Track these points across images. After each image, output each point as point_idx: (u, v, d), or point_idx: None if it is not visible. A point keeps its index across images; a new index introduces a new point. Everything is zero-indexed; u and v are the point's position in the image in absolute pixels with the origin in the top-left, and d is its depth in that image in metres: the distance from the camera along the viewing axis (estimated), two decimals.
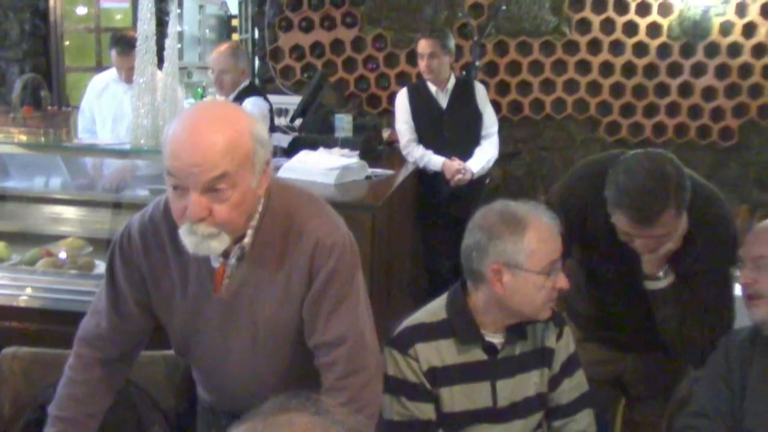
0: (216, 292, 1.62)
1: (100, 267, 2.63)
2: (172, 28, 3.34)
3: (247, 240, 1.58)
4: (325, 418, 0.80)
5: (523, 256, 1.70)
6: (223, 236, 1.50)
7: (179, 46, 8.06)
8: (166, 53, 3.31)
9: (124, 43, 3.87)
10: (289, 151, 3.75)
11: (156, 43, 3.29)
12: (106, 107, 4.16)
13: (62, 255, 2.78)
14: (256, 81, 5.61)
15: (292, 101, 4.87)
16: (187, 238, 1.49)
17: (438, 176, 4.06)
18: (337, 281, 1.59)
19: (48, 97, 3.51)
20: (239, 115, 1.53)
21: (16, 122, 3.08)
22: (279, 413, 0.80)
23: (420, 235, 4.21)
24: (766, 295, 1.73)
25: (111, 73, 4.31)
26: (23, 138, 3.01)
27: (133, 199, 3.11)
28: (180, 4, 8.02)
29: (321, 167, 3.22)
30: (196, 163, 1.43)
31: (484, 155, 4.13)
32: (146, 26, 3.02)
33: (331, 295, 1.59)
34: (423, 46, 4.08)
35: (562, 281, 1.76)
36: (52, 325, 2.40)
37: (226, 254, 1.59)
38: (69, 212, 3.19)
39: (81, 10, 6.51)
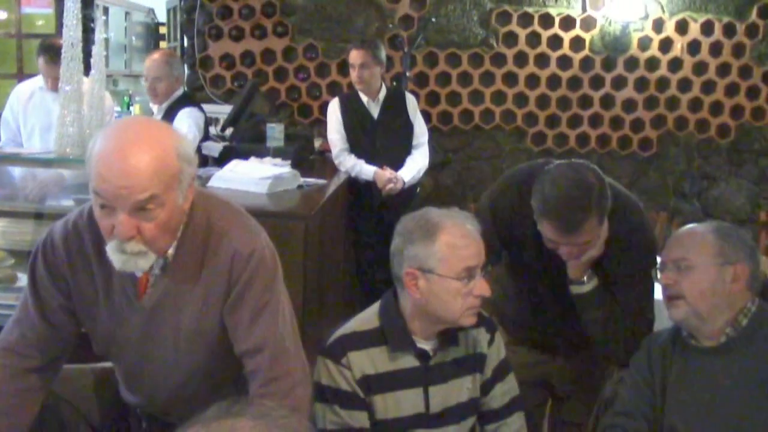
0: (139, 301, 1.64)
1: (23, 279, 2.56)
2: (99, 35, 3.29)
3: (170, 251, 1.61)
4: (267, 421, 0.81)
5: (434, 261, 1.72)
6: (150, 255, 1.53)
7: (105, 53, 7.90)
8: (92, 60, 3.24)
9: (53, 51, 3.77)
10: (221, 161, 3.72)
11: (82, 50, 3.23)
12: (34, 116, 4.04)
13: None
14: (186, 90, 5.55)
15: (222, 110, 4.83)
16: (114, 256, 1.51)
17: (370, 185, 4.09)
18: (255, 290, 1.63)
19: None
20: (165, 134, 1.55)
21: None
22: (221, 419, 0.81)
23: (353, 244, 4.23)
24: (685, 295, 1.82)
25: (37, 81, 4.19)
26: None
27: (56, 209, 3.03)
28: (105, 11, 7.87)
29: (253, 177, 3.21)
30: (124, 186, 1.45)
31: (415, 165, 4.19)
32: (72, 33, 2.97)
33: (250, 303, 1.62)
34: (354, 56, 4.11)
35: (481, 288, 1.76)
36: None
37: None
38: None
39: (1, 15, 6.31)
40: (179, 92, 4.11)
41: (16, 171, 3.44)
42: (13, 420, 1.65)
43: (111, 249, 1.51)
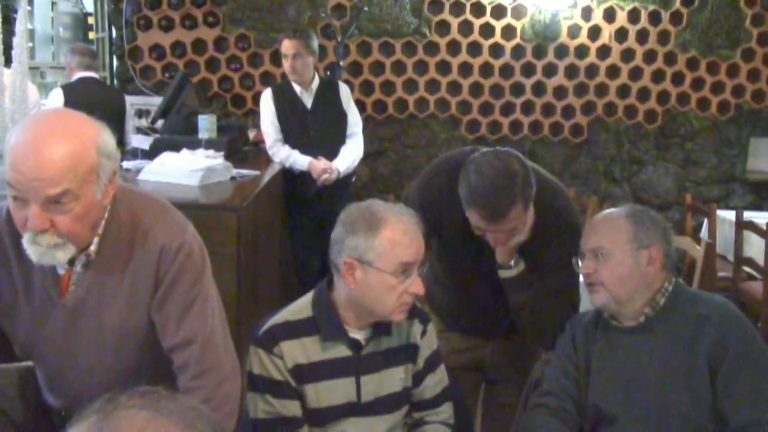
0: (61, 299, 1.61)
1: None
2: (21, 25, 3.19)
3: (93, 247, 1.58)
4: (157, 412, 0.81)
5: (373, 254, 1.73)
6: (68, 246, 1.49)
7: (30, 45, 7.67)
8: (14, 52, 3.15)
9: None
10: (151, 153, 3.66)
11: (4, 41, 3.13)
12: None
13: None
14: (115, 81, 5.43)
15: (153, 102, 4.74)
16: (30, 248, 1.48)
17: (304, 175, 4.08)
18: (183, 284, 1.61)
19: None
20: (85, 127, 1.51)
21: None
22: (115, 410, 0.80)
23: (288, 235, 4.22)
24: (604, 282, 1.87)
25: None
26: None
27: None
28: (30, 2, 7.62)
29: (184, 169, 3.17)
30: (36, 178, 1.41)
31: (350, 154, 4.19)
32: None
33: (179, 298, 1.61)
34: (287, 46, 4.09)
35: (415, 286, 1.77)
36: None
37: (71, 261, 1.58)
38: None
39: None
40: None
41: None
42: None
43: (26, 241, 1.48)
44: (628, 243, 1.87)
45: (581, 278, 2.03)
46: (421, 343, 1.95)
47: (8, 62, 3.13)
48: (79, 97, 4.34)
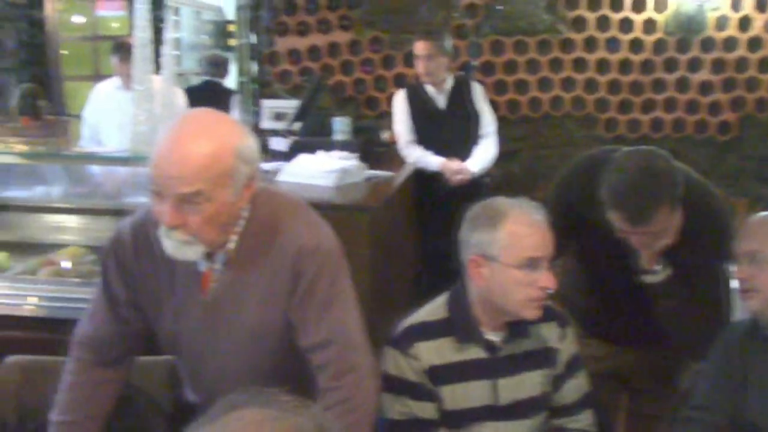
0: (202, 296, 1.65)
1: None
2: (168, 35, 3.37)
3: (231, 245, 1.62)
4: (273, 409, 0.81)
5: (497, 249, 1.70)
6: (198, 245, 1.53)
7: (177, 52, 8.10)
8: (162, 60, 3.33)
9: (125, 50, 3.91)
10: (289, 155, 3.76)
11: (154, 50, 3.31)
12: (111, 116, 4.19)
13: (64, 264, 2.79)
14: (256, 85, 5.63)
15: (290, 105, 4.88)
16: (164, 241, 1.53)
17: (437, 176, 4.06)
18: (322, 285, 1.62)
19: (45, 107, 3.54)
20: (225, 129, 1.54)
21: (14, 132, 3.10)
22: (229, 411, 0.81)
23: (421, 235, 4.21)
24: (761, 289, 1.74)
25: (114, 82, 4.35)
26: (23, 148, 3.03)
27: (134, 205, 3.12)
28: (177, 11, 8.05)
29: (320, 170, 3.23)
30: (172, 176, 1.46)
31: (484, 154, 4.14)
32: (142, 34, 3.05)
33: (317, 298, 1.62)
34: (420, 48, 4.09)
35: (546, 280, 1.72)
36: (55, 333, 2.40)
37: (211, 258, 1.61)
38: (70, 221, 3.20)
39: (77, 19, 6.53)
40: None
41: (95, 169, 3.57)
42: (89, 411, 1.71)
43: (161, 234, 1.53)
44: None
45: (734, 284, 1.90)
46: (560, 346, 1.89)
47: (158, 70, 3.32)
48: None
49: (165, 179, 1.47)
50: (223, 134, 1.52)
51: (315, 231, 1.66)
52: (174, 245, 1.53)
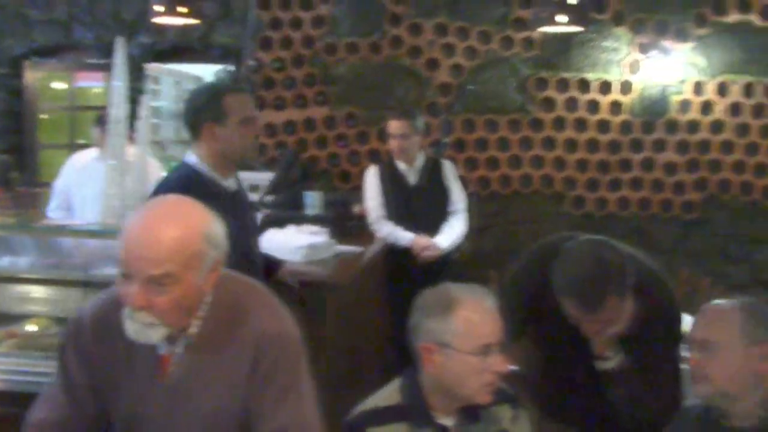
0: (161, 380, 1.65)
1: None
2: (144, 110, 3.44)
3: (193, 330, 1.63)
4: None
5: (450, 336, 1.73)
6: (160, 328, 1.55)
7: (156, 121, 8.18)
8: (137, 134, 3.39)
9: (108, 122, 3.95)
10: (260, 229, 3.79)
11: (132, 122, 3.37)
12: (87, 186, 4.20)
13: (27, 335, 2.78)
14: None
15: (264, 177, 4.94)
16: (128, 323, 1.55)
17: (407, 252, 4.11)
18: (281, 371, 1.64)
19: (18, 178, 3.56)
20: (196, 215, 1.59)
21: None
22: None
23: (391, 312, 4.23)
24: (711, 377, 1.78)
25: (92, 152, 4.39)
26: None
27: (103, 278, 3.13)
28: (157, 81, 8.17)
29: (288, 246, 3.28)
30: (142, 257, 1.50)
31: (453, 231, 4.20)
32: (117, 111, 3.12)
33: (276, 385, 1.63)
34: (394, 127, 4.19)
35: (499, 365, 1.75)
36: (15, 408, 2.38)
37: (172, 342, 1.63)
38: (37, 291, 3.19)
39: (56, 86, 6.61)
40: None
41: (64, 240, 3.57)
42: None
43: (125, 316, 1.55)
44: (739, 337, 1.78)
45: (685, 369, 1.94)
46: (512, 428, 1.90)
47: (132, 141, 3.37)
48: None
49: (135, 260, 1.51)
50: (193, 218, 1.58)
51: (277, 317, 1.69)
52: (137, 328, 1.54)
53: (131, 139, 3.41)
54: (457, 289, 1.79)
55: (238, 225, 2.27)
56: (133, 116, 3.44)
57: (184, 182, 2.44)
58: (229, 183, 2.59)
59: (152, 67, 6.69)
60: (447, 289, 1.80)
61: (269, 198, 4.39)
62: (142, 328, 1.54)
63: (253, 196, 4.51)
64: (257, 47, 5.35)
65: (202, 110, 2.53)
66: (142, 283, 1.50)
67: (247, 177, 5.01)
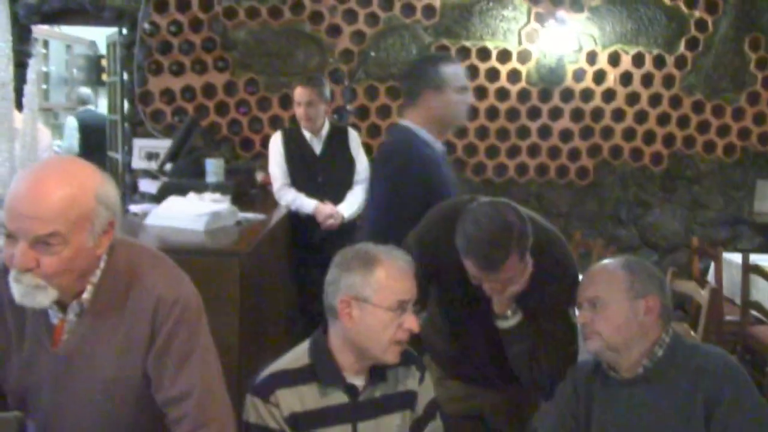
0: (53, 348, 1.60)
1: None
2: (32, 74, 3.26)
3: (86, 296, 1.58)
4: None
5: (370, 290, 1.78)
6: (50, 290, 1.49)
7: (45, 87, 7.80)
8: (25, 99, 3.22)
9: None
10: (159, 197, 3.70)
11: (16, 87, 3.20)
12: None
13: None
14: (126, 125, 5.51)
15: (162, 145, 4.81)
16: (14, 286, 1.48)
17: (311, 220, 4.10)
18: (180, 336, 1.61)
19: None
20: (86, 174, 1.53)
21: None
22: None
23: (294, 278, 4.23)
24: (601, 332, 1.88)
25: None
26: None
27: None
28: (46, 45, 7.78)
29: (189, 214, 3.20)
30: (28, 216, 1.43)
31: (356, 200, 4.21)
32: (2, 73, 2.95)
33: (176, 350, 1.61)
34: (300, 94, 4.14)
35: (410, 322, 1.82)
36: None
37: (64, 309, 1.58)
38: None
39: None
40: None
41: None
42: None
43: (11, 279, 1.48)
44: (624, 292, 1.88)
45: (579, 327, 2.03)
46: (418, 389, 1.96)
47: (20, 107, 3.20)
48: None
49: (19, 219, 1.44)
50: (83, 177, 1.51)
51: (174, 283, 1.66)
52: (24, 290, 1.48)
53: (18, 105, 3.23)
54: (377, 249, 1.84)
55: (448, 181, 2.67)
56: (20, 81, 3.26)
57: (406, 140, 2.67)
58: (438, 145, 2.75)
59: (40, 29, 6.36)
60: (367, 248, 1.85)
61: (168, 165, 4.27)
62: (29, 290, 1.48)
63: (152, 165, 4.40)
64: (153, 10, 5.17)
65: (422, 78, 2.71)
66: (28, 244, 1.44)
67: (145, 144, 4.89)
